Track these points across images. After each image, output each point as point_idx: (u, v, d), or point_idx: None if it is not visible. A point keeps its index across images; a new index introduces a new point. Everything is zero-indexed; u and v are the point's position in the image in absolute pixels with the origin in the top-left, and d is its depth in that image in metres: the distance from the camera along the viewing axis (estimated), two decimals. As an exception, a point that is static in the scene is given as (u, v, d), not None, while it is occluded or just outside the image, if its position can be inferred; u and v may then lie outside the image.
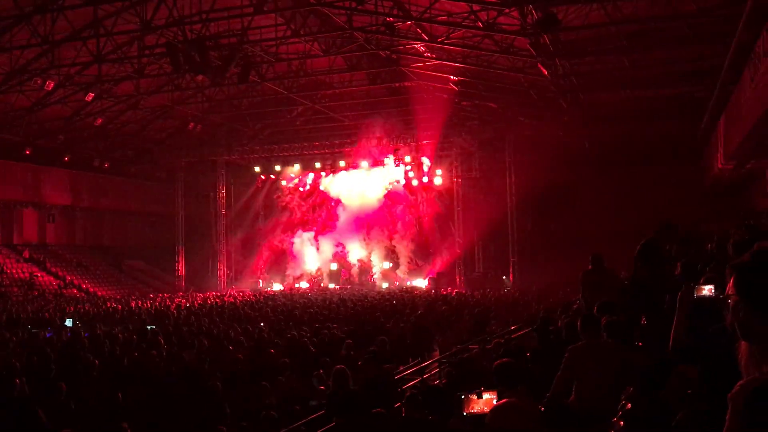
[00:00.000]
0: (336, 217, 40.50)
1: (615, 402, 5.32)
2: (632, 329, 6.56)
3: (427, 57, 26.27)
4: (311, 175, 40.53)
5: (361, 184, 39.29)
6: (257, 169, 40.42)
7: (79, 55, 24.24)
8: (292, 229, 41.52)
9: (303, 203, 42.15)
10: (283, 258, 41.80)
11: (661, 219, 8.19)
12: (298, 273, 40.75)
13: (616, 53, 22.39)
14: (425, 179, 38.14)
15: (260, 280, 40.37)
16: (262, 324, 17.86)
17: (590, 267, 9.26)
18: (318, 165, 39.18)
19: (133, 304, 26.73)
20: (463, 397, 3.23)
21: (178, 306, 25.39)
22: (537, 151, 31.81)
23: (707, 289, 4.30)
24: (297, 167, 39.80)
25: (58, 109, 29.93)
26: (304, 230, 41.07)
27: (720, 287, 4.19)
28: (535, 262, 31.61)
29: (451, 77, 27.96)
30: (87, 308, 25.57)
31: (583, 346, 5.84)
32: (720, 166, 22.86)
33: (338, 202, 40.48)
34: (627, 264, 9.35)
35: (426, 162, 37.40)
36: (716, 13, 17.68)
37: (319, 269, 40.67)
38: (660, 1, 18.33)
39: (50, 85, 25.79)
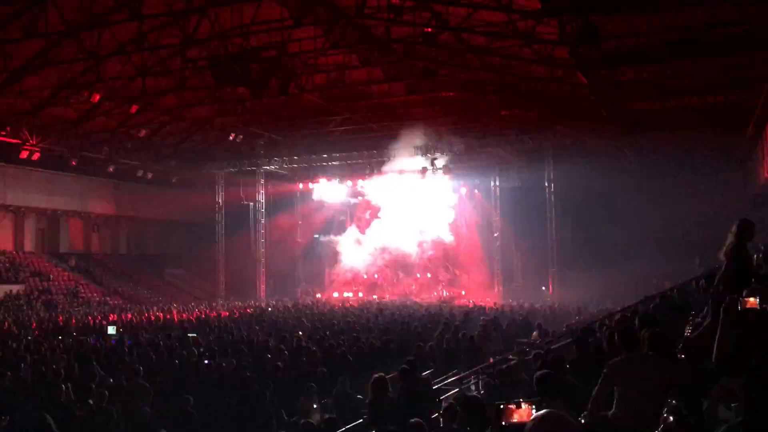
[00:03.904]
0: (376, 226, 40.59)
1: (657, 415, 5.24)
2: (674, 341, 6.45)
3: (466, 67, 26.20)
4: (349, 183, 40.69)
5: (400, 193, 39.30)
6: (296, 178, 40.77)
7: (124, 69, 24.77)
8: (332, 236, 41.78)
9: (343, 212, 42.36)
10: (321, 266, 42.02)
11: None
12: (336, 282, 40.89)
13: (658, 61, 22.00)
14: (463, 189, 37.99)
15: (298, 290, 40.61)
16: (300, 333, 17.95)
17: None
18: (356, 174, 39.34)
19: (174, 313, 27.10)
20: (501, 406, 3.19)
21: (219, 315, 25.68)
22: (577, 160, 31.47)
23: (752, 301, 4.21)
24: (336, 176, 40.03)
25: (103, 121, 30.66)
26: (345, 238, 41.23)
27: (765, 299, 4.11)
28: (575, 272, 31.20)
29: (490, 86, 27.82)
30: (130, 316, 26.02)
31: (624, 360, 5.73)
32: (767, 175, 22.35)
33: (377, 210, 40.58)
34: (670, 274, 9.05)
35: (463, 171, 37.31)
36: (761, 19, 17.30)
37: (359, 277, 40.73)
38: (703, 10, 17.97)
39: (96, 97, 26.42)
